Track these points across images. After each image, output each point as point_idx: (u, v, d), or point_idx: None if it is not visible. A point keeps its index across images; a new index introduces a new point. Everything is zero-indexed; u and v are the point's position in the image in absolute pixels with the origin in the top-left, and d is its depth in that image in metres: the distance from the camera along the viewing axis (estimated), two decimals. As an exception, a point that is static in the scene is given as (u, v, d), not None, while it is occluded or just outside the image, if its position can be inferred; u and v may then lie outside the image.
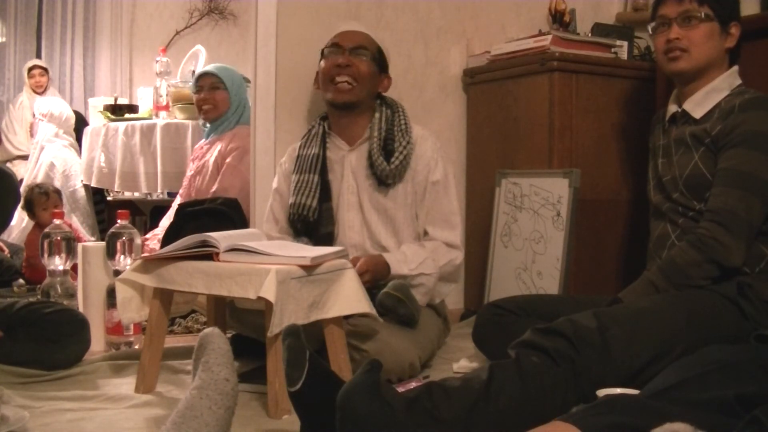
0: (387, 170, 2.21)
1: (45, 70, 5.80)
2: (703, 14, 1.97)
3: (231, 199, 2.84)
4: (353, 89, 2.26)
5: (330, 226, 2.25)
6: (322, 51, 2.35)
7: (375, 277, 2.10)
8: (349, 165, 2.30)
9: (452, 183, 2.32)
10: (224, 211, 2.72)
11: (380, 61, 2.34)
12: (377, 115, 2.30)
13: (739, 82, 2.03)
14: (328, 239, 2.24)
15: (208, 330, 1.35)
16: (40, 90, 5.70)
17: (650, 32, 2.10)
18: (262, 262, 1.67)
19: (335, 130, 2.34)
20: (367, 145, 2.28)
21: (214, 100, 3.26)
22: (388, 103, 2.36)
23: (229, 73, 3.31)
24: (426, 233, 2.29)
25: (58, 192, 3.89)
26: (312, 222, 2.24)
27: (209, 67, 3.38)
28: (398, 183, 2.26)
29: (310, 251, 1.77)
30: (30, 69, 5.75)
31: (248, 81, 3.07)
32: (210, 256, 1.72)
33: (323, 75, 2.31)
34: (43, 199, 3.71)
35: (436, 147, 2.32)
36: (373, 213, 2.26)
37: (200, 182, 3.24)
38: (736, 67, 2.05)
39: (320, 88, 2.35)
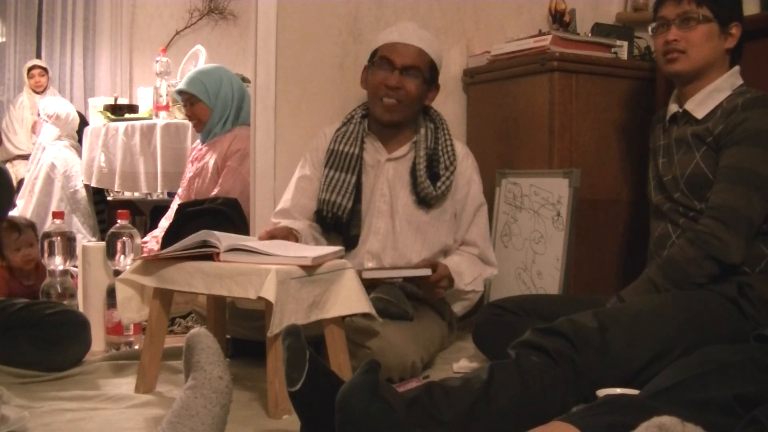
0: (433, 195, 2.25)
1: (45, 70, 5.80)
2: (701, 15, 1.97)
3: (231, 199, 2.83)
4: (400, 109, 2.26)
5: (357, 229, 2.26)
6: (372, 56, 2.32)
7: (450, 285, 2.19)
8: (385, 173, 2.31)
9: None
10: (224, 211, 2.72)
11: (431, 77, 2.32)
12: (422, 131, 2.32)
13: (740, 82, 2.03)
14: (355, 241, 2.25)
15: (194, 330, 1.35)
16: (39, 90, 5.70)
17: (651, 33, 2.10)
18: (262, 262, 1.68)
19: (375, 133, 2.34)
20: (407, 159, 2.30)
21: (195, 115, 3.26)
22: (431, 116, 2.38)
23: (200, 83, 3.23)
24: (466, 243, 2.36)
25: (32, 226, 2.84)
26: (344, 222, 2.24)
27: (181, 84, 3.35)
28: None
29: (310, 251, 1.77)
30: (30, 69, 5.76)
31: (248, 81, 3.06)
32: (210, 256, 1.72)
33: (371, 89, 2.29)
34: (14, 236, 2.72)
35: (475, 165, 2.40)
36: (405, 224, 2.27)
37: (200, 184, 3.23)
38: (737, 67, 2.04)
39: (366, 90, 2.35)
